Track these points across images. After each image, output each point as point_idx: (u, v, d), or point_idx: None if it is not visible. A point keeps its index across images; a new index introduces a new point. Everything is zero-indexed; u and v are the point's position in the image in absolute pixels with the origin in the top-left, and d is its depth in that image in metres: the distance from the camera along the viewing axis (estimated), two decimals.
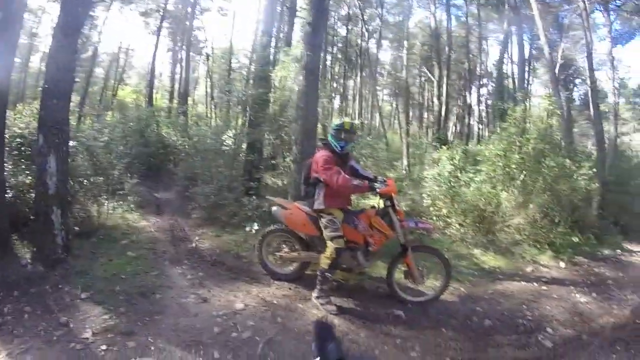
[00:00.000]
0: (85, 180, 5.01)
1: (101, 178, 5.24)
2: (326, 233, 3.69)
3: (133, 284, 3.80)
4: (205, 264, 4.59)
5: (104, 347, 2.96)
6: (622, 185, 10.60)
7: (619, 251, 6.96)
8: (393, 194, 3.82)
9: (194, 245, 5.11)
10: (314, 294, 3.82)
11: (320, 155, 3.79)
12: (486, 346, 3.57)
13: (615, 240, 8.19)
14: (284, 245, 4.16)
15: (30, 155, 4.48)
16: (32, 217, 4.18)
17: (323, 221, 3.73)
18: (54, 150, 3.89)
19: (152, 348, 2.98)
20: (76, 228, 4.63)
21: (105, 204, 5.24)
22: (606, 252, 7.06)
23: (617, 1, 12.89)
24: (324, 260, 3.70)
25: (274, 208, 4.10)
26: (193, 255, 4.78)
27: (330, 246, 3.66)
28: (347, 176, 3.64)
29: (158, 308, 3.52)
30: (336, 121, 3.87)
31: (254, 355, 3.06)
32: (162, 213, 6.41)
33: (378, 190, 3.76)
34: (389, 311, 3.91)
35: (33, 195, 4.20)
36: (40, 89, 4.32)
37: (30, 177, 4.44)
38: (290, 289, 4.07)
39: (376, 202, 4.09)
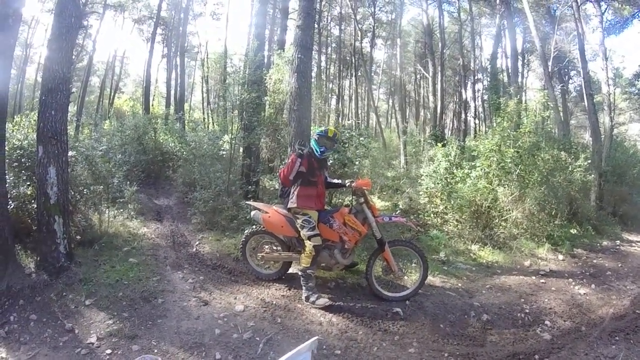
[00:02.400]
0: (85, 189, 5.07)
1: (101, 186, 5.30)
2: (303, 233, 3.84)
3: (136, 290, 3.88)
4: (205, 267, 4.66)
5: (108, 351, 3.04)
6: (620, 176, 10.61)
7: (618, 242, 6.98)
8: (365, 189, 3.95)
9: (194, 250, 5.17)
10: (303, 294, 3.92)
11: (290, 156, 4.02)
12: (484, 341, 3.63)
13: (614, 230, 8.23)
14: (265, 247, 4.30)
15: (30, 166, 4.53)
16: (34, 227, 4.26)
17: (299, 222, 3.87)
18: (53, 161, 3.97)
19: (156, 351, 3.06)
20: (78, 237, 4.71)
21: (106, 212, 5.30)
22: (605, 243, 7.09)
23: None
24: (304, 259, 3.85)
25: (253, 212, 4.23)
26: (194, 260, 4.86)
27: (309, 245, 3.79)
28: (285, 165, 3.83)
29: (160, 312, 3.60)
30: (321, 128, 4.01)
31: (254, 355, 3.13)
32: (163, 219, 6.46)
33: (352, 185, 3.94)
34: (387, 308, 3.97)
35: (35, 205, 4.27)
36: (37, 100, 4.38)
37: (31, 188, 4.52)
38: (289, 289, 4.14)
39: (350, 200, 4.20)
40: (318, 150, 3.95)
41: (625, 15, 14.36)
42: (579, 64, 13.61)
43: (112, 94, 19.97)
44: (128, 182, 6.12)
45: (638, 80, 18.34)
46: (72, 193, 4.73)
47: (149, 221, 6.21)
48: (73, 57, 4.50)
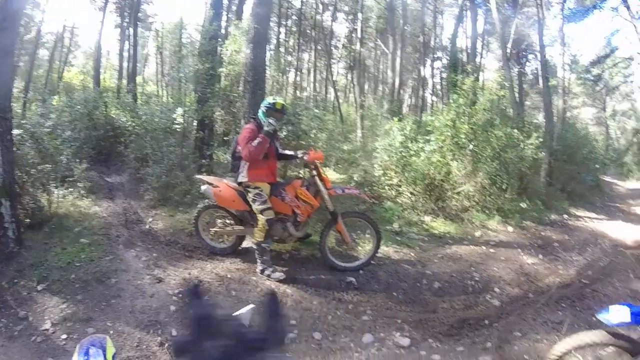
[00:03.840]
0: (32, 169, 4.77)
1: (49, 165, 4.99)
2: (255, 206, 3.80)
3: (88, 271, 3.74)
4: (159, 244, 4.55)
5: (64, 336, 2.98)
6: (570, 155, 11.28)
7: (565, 216, 7.45)
8: (317, 162, 3.94)
9: (147, 226, 5.03)
10: (258, 268, 3.94)
11: (245, 129, 3.86)
12: (436, 307, 3.80)
13: (562, 206, 8.77)
14: (218, 221, 4.23)
15: None
16: None
17: (250, 195, 3.82)
18: None
19: (111, 332, 3.01)
20: (27, 220, 4.46)
21: (55, 192, 5.02)
22: (553, 217, 7.55)
23: None
24: (257, 233, 3.82)
25: (203, 187, 4.13)
26: (147, 237, 4.73)
27: (261, 219, 3.77)
28: (249, 144, 3.68)
29: (114, 292, 3.52)
30: (269, 99, 3.90)
31: None
32: (115, 197, 6.21)
33: (305, 158, 3.90)
34: (341, 278, 4.06)
35: None
36: None
37: None
38: (243, 262, 4.14)
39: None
40: (266, 121, 3.84)
41: (587, 5, 14.99)
42: (538, 48, 14.17)
43: (62, 66, 18.55)
44: (77, 160, 5.81)
45: (593, 68, 19.35)
46: (19, 174, 4.44)
47: (101, 199, 5.96)
48: (18, 29, 4.10)
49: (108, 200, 6.00)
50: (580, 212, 8.21)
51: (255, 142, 3.66)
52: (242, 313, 1.24)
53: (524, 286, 4.22)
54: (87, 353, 1.21)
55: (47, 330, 3.02)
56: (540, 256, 5.14)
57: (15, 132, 4.15)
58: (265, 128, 3.69)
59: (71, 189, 5.57)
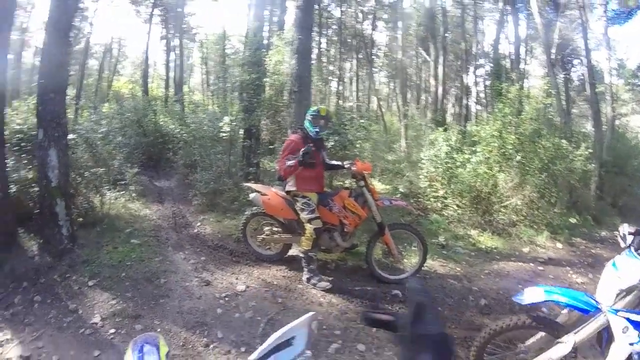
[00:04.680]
0: (86, 172, 5.07)
1: (102, 169, 5.28)
2: (303, 215, 3.83)
3: (138, 270, 3.91)
4: (207, 248, 4.68)
5: (112, 330, 3.09)
6: (620, 167, 10.60)
7: (616, 233, 7.03)
8: (365, 173, 3.92)
9: (195, 230, 5.19)
10: (304, 276, 3.95)
11: (288, 139, 3.92)
12: (481, 325, 3.69)
13: (613, 221, 8.25)
14: (266, 228, 4.29)
15: (30, 150, 4.51)
16: (36, 211, 4.27)
17: (298, 204, 3.85)
18: (54, 144, 3.96)
19: (159, 330, 3.11)
20: (80, 219, 4.72)
21: (108, 194, 5.30)
22: (603, 233, 7.12)
23: None
24: (305, 242, 3.85)
25: (252, 194, 4.20)
26: (195, 241, 4.88)
27: (309, 228, 3.79)
28: (284, 160, 3.73)
29: (163, 292, 3.64)
30: (313, 108, 3.95)
31: (256, 333, 3.18)
32: (164, 201, 6.46)
33: (353, 168, 3.89)
34: (386, 290, 4.01)
35: (36, 189, 4.27)
36: (35, 84, 4.35)
37: (32, 171, 4.50)
38: (289, 270, 4.18)
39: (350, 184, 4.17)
40: (312, 130, 3.88)
41: (630, 6, 14.14)
42: (583, 52, 13.49)
43: (111, 76, 19.71)
44: (129, 164, 6.11)
45: None
46: (73, 176, 4.72)
47: (151, 203, 6.22)
48: (70, 39, 4.43)
49: (157, 204, 6.25)
50: (632, 229, 7.68)
51: (290, 162, 3.70)
52: (303, 320, 1.26)
53: None
54: (141, 350, 1.23)
55: (95, 324, 3.14)
56: (590, 275, 4.85)
57: (70, 136, 4.39)
58: (300, 158, 3.67)
59: (122, 192, 5.84)
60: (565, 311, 2.55)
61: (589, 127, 14.82)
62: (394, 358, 3.24)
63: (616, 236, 2.62)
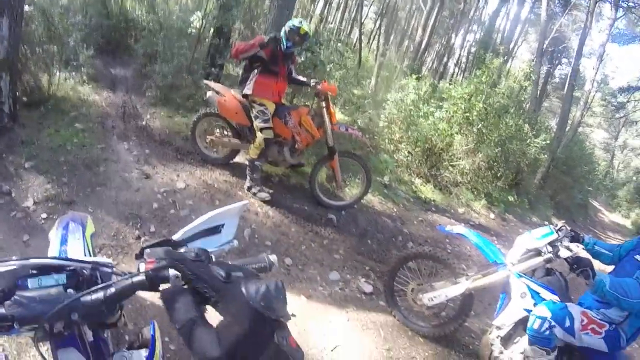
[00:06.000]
0: (38, 48, 4.59)
1: (55, 46, 4.79)
2: (256, 123, 3.77)
3: (78, 156, 3.72)
4: (153, 142, 4.51)
5: (44, 215, 3.01)
6: (569, 167, 11.34)
7: (546, 222, 7.61)
8: (329, 94, 3.87)
9: (144, 123, 4.96)
10: (246, 184, 3.99)
11: (256, 37, 3.80)
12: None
13: (546, 212, 8.94)
14: (216, 130, 4.20)
15: None
16: None
17: (254, 111, 3.78)
18: (7, 12, 3.51)
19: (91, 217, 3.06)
20: (24, 97, 4.34)
21: (57, 74, 4.87)
22: (534, 219, 7.71)
23: (629, 2, 12.66)
24: (253, 150, 3.82)
25: (209, 93, 4.05)
26: (142, 133, 4.67)
27: (259, 136, 3.76)
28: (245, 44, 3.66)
29: (101, 180, 3.53)
30: (295, 21, 3.72)
31: None
32: (116, 89, 6.05)
33: (318, 87, 3.82)
34: (323, 213, 4.15)
35: None
36: None
37: None
38: (232, 176, 4.18)
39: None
40: (285, 43, 3.74)
41: (637, 32, 14.27)
42: (574, 54, 13.66)
43: None
44: (85, 45, 5.58)
45: (620, 95, 18.83)
46: (23, 50, 4.26)
47: (102, 89, 5.81)
48: None
49: (109, 91, 5.86)
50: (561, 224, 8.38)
51: (250, 42, 3.62)
52: (235, 207, 1.24)
53: None
54: (66, 227, 1.21)
55: (28, 207, 3.04)
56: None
57: (26, 8, 4.00)
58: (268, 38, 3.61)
59: (73, 73, 5.41)
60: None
61: (553, 123, 15.51)
62: (317, 277, 3.42)
63: (546, 224, 2.80)
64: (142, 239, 3.06)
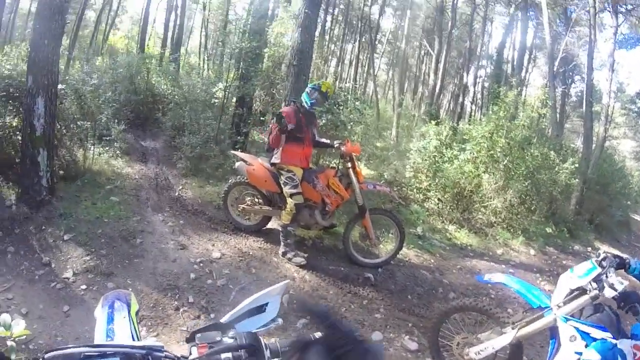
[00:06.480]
0: (72, 124, 4.93)
1: (88, 122, 5.16)
2: (286, 189, 3.82)
3: (115, 228, 3.85)
4: (186, 212, 4.64)
5: (83, 286, 3.07)
6: (603, 186, 10.84)
7: (589, 248, 7.21)
8: (354, 154, 3.92)
9: (176, 194, 5.13)
10: (280, 250, 3.98)
11: (281, 111, 3.87)
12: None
13: (587, 237, 8.49)
14: (247, 198, 4.28)
15: (18, 97, 4.33)
16: (17, 159, 4.16)
17: (282, 178, 3.85)
18: (42, 92, 3.84)
19: (130, 289, 3.08)
20: (61, 171, 4.61)
21: (92, 149, 5.20)
22: (577, 247, 7.31)
23: (628, 5, 12.75)
24: (285, 216, 3.86)
25: (237, 163, 4.17)
26: (175, 204, 4.83)
27: (290, 202, 3.80)
28: (273, 132, 3.74)
29: (138, 252, 3.61)
30: (315, 81, 3.89)
31: (227, 301, 3.20)
32: (148, 161, 6.36)
33: (342, 148, 3.88)
34: (359, 273, 4.06)
35: (20, 137, 4.15)
36: (29, 30, 4.19)
37: (17, 119, 4.36)
38: (266, 242, 4.19)
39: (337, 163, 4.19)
40: (308, 102, 3.86)
41: None
42: (585, 69, 13.60)
43: (107, 29, 18.99)
44: (116, 121, 5.97)
45: (639, 99, 18.42)
46: (59, 127, 4.58)
47: (134, 162, 6.12)
48: None
49: (141, 164, 6.15)
50: (604, 247, 7.90)
51: (273, 133, 3.71)
52: (276, 288, 1.26)
53: None
54: (112, 306, 1.23)
55: (67, 278, 3.12)
56: None
57: (59, 86, 4.27)
58: (280, 125, 3.66)
59: (107, 148, 5.74)
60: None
61: (578, 143, 15.11)
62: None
63: (589, 253, 2.69)
64: (181, 309, 3.06)
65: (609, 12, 12.18)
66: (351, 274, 4.03)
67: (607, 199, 10.77)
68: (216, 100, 5.55)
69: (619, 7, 11.98)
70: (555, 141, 9.53)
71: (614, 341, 2.04)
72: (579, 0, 14.45)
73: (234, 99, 5.72)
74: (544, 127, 9.50)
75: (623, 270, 2.29)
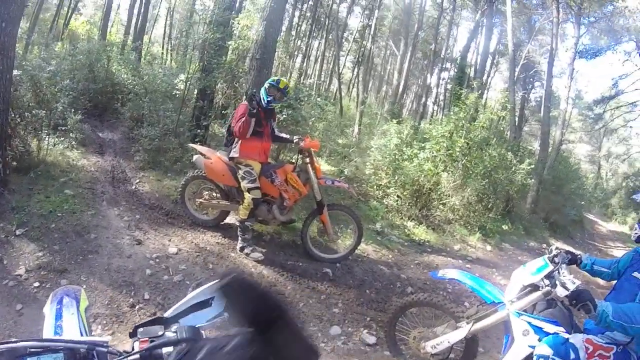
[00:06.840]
0: (27, 113, 4.67)
1: (44, 111, 4.89)
2: (243, 184, 3.81)
3: (69, 223, 3.72)
4: (143, 207, 4.53)
5: (36, 284, 2.97)
6: (558, 186, 11.49)
7: (544, 245, 7.62)
8: (312, 150, 3.96)
9: (133, 187, 4.99)
10: (238, 245, 3.96)
11: (241, 105, 3.87)
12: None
13: (542, 234, 8.96)
14: (205, 193, 4.23)
15: None
16: None
17: (240, 172, 3.83)
18: None
19: (84, 286, 2.98)
20: (14, 163, 4.37)
21: (46, 139, 4.94)
22: (532, 243, 7.71)
23: (590, 18, 13.52)
24: (242, 211, 3.84)
25: (195, 156, 4.12)
26: (132, 198, 4.70)
27: (248, 197, 3.79)
28: (241, 117, 3.72)
29: (92, 247, 3.51)
30: (275, 77, 3.88)
31: (183, 297, 3.12)
32: (104, 153, 6.12)
33: (301, 144, 3.90)
34: (317, 268, 4.10)
35: None
36: None
37: None
38: (224, 237, 4.16)
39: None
40: (265, 99, 3.85)
41: (601, 45, 15.17)
42: (545, 76, 14.34)
43: (70, 13, 17.99)
44: (73, 110, 5.69)
45: (596, 106, 19.59)
46: (13, 115, 4.33)
47: (90, 153, 5.87)
48: None
49: (97, 155, 5.92)
50: (558, 244, 8.36)
51: (240, 122, 3.68)
52: (223, 281, 1.25)
53: None
54: (60, 302, 1.21)
55: (20, 275, 3.00)
56: None
57: (15, 72, 4.07)
58: (250, 105, 3.66)
59: (62, 138, 5.49)
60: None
61: (536, 145, 15.92)
62: (317, 334, 3.33)
63: (544, 249, 2.80)
64: (137, 306, 2.99)
65: (572, 22, 12.91)
66: (309, 269, 4.06)
67: (562, 198, 11.43)
68: (177, 92, 5.39)
69: (582, 18, 12.68)
70: (513, 143, 9.99)
71: (566, 335, 2.11)
72: (544, 10, 15.18)
73: (195, 91, 5.58)
74: (502, 129, 9.95)
75: (575, 265, 2.39)
